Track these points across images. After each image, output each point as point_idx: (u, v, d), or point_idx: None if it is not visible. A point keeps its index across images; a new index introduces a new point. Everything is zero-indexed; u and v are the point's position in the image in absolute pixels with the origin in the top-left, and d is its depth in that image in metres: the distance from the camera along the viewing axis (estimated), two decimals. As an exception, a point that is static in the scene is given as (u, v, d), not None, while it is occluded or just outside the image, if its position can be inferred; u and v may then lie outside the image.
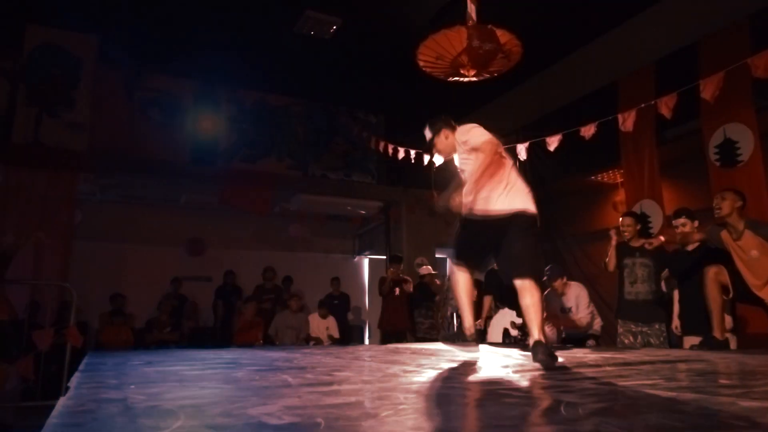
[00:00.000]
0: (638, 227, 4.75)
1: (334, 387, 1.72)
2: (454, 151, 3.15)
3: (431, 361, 2.87)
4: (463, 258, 3.08)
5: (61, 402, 1.43)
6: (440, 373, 2.16)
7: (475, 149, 2.88)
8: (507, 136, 7.40)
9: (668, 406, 1.18)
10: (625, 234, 4.65)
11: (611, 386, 1.62)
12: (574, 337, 5.11)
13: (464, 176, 3.01)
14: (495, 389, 1.68)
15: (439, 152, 3.22)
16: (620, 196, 7.18)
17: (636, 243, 4.65)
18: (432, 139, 3.18)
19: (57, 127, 7.07)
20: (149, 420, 1.18)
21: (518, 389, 1.66)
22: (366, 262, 10.78)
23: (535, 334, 2.58)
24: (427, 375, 2.10)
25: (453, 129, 3.16)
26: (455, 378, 2.02)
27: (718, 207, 3.83)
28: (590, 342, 5.01)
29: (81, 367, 2.63)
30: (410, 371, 2.27)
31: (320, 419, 1.14)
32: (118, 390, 1.70)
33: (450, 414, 1.23)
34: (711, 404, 1.22)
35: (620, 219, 4.80)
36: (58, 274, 6.41)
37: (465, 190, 2.92)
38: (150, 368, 2.56)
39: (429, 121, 3.21)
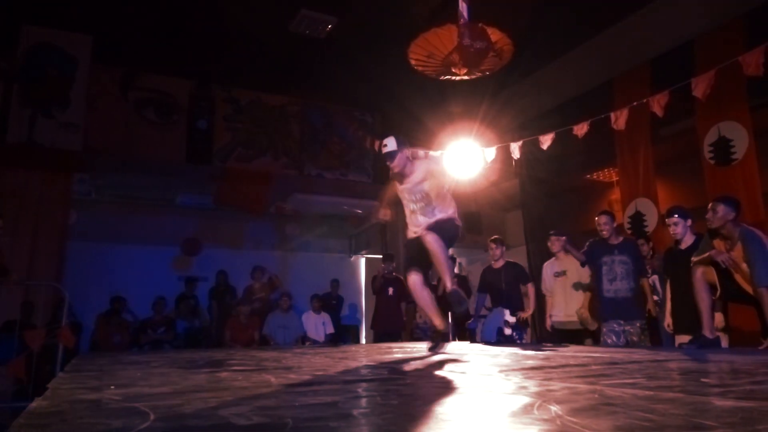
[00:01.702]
0: (615, 225, 4.74)
1: (314, 387, 1.72)
2: (404, 169, 3.64)
3: (420, 361, 2.86)
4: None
5: (35, 403, 1.42)
6: (424, 373, 2.16)
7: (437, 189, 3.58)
8: (503, 135, 7.41)
9: (642, 406, 1.17)
10: (603, 233, 4.66)
11: (592, 386, 1.61)
12: (567, 330, 5.09)
13: (414, 201, 3.66)
14: (476, 389, 1.67)
15: (395, 166, 3.63)
16: (616, 194, 7.18)
17: (614, 240, 4.65)
18: (395, 152, 3.59)
19: (52, 127, 7.06)
20: (118, 421, 1.17)
21: (499, 389, 1.65)
22: (362, 261, 10.77)
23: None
24: (411, 375, 2.09)
25: (412, 155, 3.71)
26: (437, 378, 2.01)
27: (710, 220, 3.80)
28: (588, 342, 4.98)
29: (66, 367, 2.62)
30: (396, 371, 2.26)
31: (289, 419, 1.13)
32: (96, 391, 1.69)
33: (423, 414, 1.22)
34: (685, 404, 1.21)
35: (596, 218, 4.78)
36: (52, 274, 6.40)
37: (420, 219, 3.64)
38: (136, 369, 2.55)
39: (396, 135, 3.64)
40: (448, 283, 3.39)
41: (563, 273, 5.20)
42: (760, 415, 1.04)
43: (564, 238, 5.19)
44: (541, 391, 1.49)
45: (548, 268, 5.43)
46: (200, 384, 1.87)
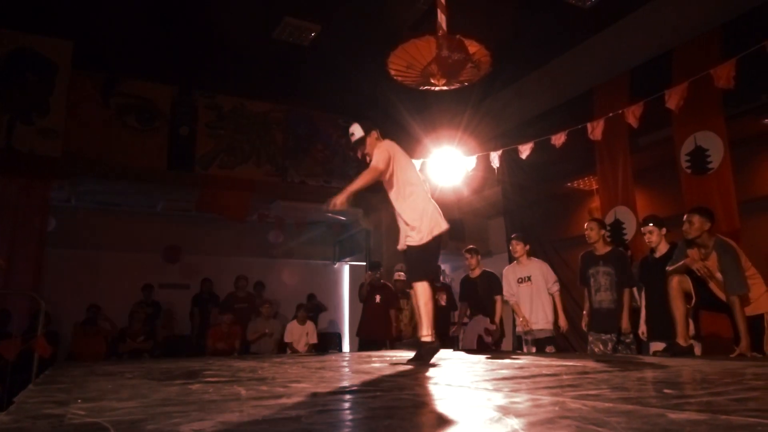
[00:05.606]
0: (602, 233, 4.79)
1: (283, 400, 1.72)
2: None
3: (395, 371, 2.87)
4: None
5: (-3, 419, 1.40)
6: (396, 385, 2.16)
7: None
8: (485, 143, 7.47)
9: (597, 419, 1.19)
10: (588, 238, 4.73)
11: (556, 397, 1.63)
12: (534, 338, 5.12)
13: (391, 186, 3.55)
14: (444, 401, 1.69)
15: (368, 154, 3.56)
16: (595, 202, 7.26)
17: (600, 251, 4.71)
18: (363, 138, 3.53)
19: (30, 133, 6.97)
20: (77, 438, 1.17)
21: (466, 402, 1.66)
22: (346, 268, 10.76)
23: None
24: (382, 386, 2.10)
25: (380, 134, 3.58)
26: (408, 390, 2.02)
27: (686, 231, 3.87)
28: (549, 348, 5.02)
29: (38, 379, 2.59)
30: (368, 383, 2.26)
31: (249, 436, 1.13)
32: (63, 405, 1.68)
33: (384, 428, 1.23)
34: (640, 416, 1.23)
35: (585, 224, 4.88)
36: (29, 282, 6.31)
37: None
38: (109, 381, 2.52)
39: (361, 121, 3.57)
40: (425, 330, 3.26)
41: (527, 279, 5.16)
42: (708, 428, 1.07)
43: (528, 246, 5.24)
44: (504, 404, 1.50)
45: (510, 273, 5.33)
46: (169, 397, 1.87)
